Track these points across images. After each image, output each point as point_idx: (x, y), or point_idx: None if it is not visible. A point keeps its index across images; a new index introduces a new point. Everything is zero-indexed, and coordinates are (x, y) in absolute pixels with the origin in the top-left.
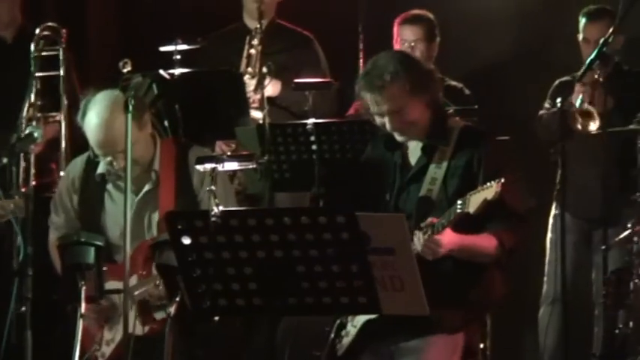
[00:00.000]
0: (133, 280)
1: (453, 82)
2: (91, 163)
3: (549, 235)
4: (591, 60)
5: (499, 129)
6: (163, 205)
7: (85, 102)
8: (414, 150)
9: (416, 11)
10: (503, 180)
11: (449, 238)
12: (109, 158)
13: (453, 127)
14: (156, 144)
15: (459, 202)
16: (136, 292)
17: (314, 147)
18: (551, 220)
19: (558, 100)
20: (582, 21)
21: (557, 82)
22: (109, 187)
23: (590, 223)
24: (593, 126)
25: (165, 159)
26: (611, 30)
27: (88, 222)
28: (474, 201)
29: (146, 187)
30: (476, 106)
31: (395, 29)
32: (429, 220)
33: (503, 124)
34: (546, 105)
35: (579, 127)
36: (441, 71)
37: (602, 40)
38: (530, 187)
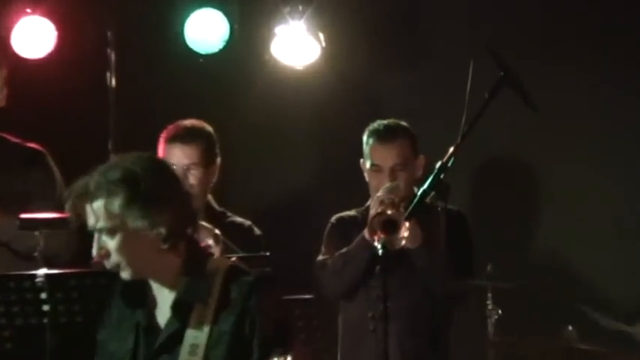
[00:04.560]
0: None
1: (239, 219)
2: None
3: None
4: (425, 191)
5: (297, 283)
6: None
7: None
8: (163, 307)
9: (191, 122)
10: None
11: None
12: None
13: (215, 270)
14: None
15: None
16: None
17: (45, 307)
18: None
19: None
20: (370, 142)
21: (334, 218)
22: None
23: None
24: (404, 235)
25: None
26: (451, 150)
27: None
28: None
29: None
30: (268, 253)
31: (160, 147)
32: None
33: (302, 274)
34: (321, 256)
35: (379, 243)
36: (222, 204)
37: (438, 165)
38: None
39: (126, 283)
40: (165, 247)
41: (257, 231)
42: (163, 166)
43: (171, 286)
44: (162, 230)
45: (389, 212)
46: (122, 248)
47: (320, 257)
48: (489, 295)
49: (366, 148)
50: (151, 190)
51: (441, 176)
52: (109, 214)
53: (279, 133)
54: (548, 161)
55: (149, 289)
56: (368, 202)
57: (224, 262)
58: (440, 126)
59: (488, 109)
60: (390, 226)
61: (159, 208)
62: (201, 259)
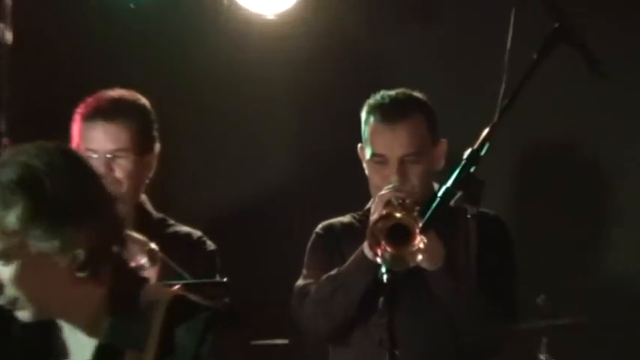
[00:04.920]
0: None
1: (185, 228)
2: None
3: None
4: (448, 190)
5: (268, 319)
6: None
7: None
8: (79, 356)
9: (118, 93)
10: None
11: None
12: None
13: (153, 302)
14: None
15: None
16: None
17: None
18: None
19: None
20: (370, 122)
21: (320, 227)
22: None
23: None
24: (420, 246)
25: None
26: (485, 133)
27: None
28: None
29: None
30: (225, 279)
31: (75, 127)
32: None
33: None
34: (302, 280)
35: (383, 260)
36: (161, 208)
37: (467, 153)
38: None
39: (25, 324)
40: (82, 275)
41: (210, 245)
42: (77, 160)
43: (91, 328)
44: (80, 252)
45: (398, 215)
46: (21, 279)
47: (300, 281)
48: (543, 339)
49: (365, 131)
50: (62, 196)
51: (471, 169)
52: (2, 231)
53: (244, 108)
54: (618, 149)
55: (58, 330)
56: (368, 204)
57: (164, 292)
58: (469, 99)
59: (536, 76)
60: (400, 235)
61: (74, 221)
62: (132, 288)
